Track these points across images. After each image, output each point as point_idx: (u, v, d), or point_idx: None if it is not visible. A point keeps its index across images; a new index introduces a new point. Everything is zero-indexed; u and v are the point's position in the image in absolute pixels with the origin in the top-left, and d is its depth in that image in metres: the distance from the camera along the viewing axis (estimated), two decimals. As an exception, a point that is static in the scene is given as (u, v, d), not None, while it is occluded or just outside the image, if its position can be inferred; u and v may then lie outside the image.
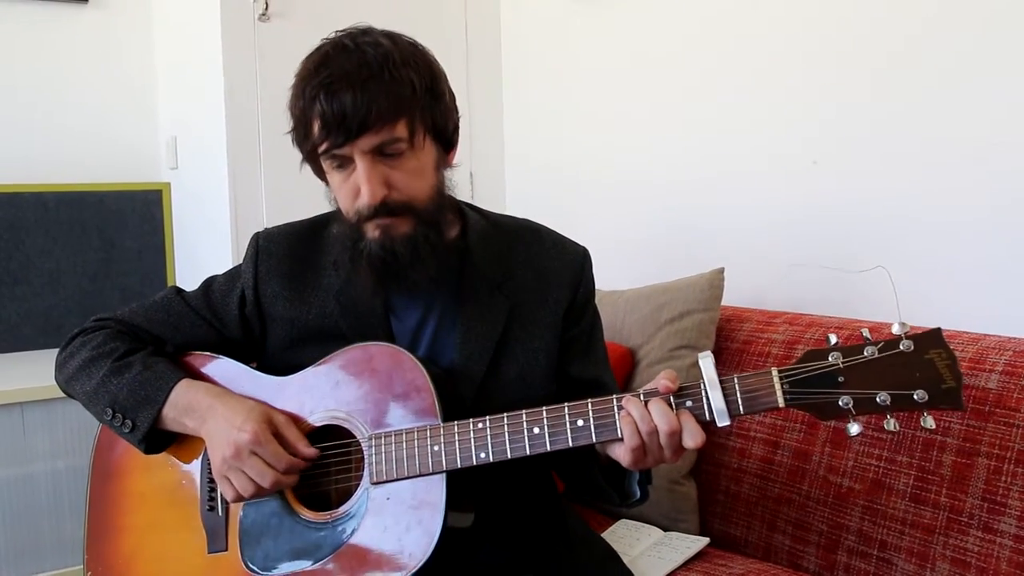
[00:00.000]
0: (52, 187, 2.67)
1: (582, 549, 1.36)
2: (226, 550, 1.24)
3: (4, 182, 2.63)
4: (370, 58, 1.15)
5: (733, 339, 1.86)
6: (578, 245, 1.37)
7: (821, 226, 2.01)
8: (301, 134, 1.19)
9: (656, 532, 1.74)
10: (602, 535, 1.45)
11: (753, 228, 2.14)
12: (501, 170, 2.84)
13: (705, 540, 1.71)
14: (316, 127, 1.16)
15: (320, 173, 1.25)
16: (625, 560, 1.42)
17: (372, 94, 1.13)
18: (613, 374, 1.41)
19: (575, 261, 1.34)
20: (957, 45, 1.75)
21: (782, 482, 1.68)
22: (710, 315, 1.87)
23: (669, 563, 1.63)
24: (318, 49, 1.19)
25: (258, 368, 1.32)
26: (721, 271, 1.92)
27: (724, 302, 1.90)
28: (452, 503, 1.15)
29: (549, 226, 1.40)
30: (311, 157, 1.21)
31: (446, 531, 1.13)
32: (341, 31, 1.20)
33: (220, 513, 1.24)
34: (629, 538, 1.73)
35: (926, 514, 1.48)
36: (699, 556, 1.67)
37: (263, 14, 2.46)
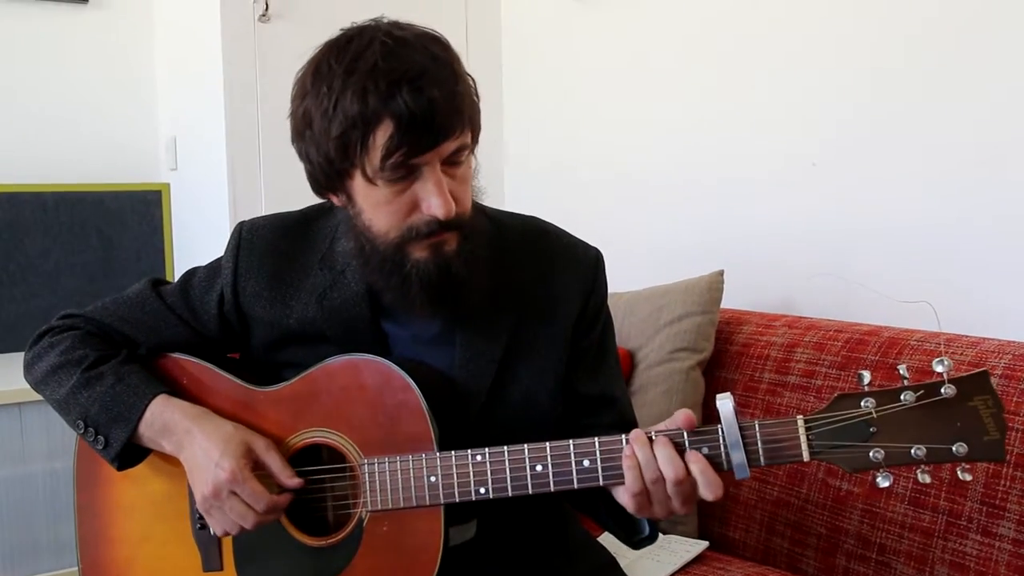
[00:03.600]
0: (51, 187, 2.66)
1: (581, 555, 1.33)
2: (222, 569, 1.20)
3: (3, 182, 2.62)
4: (437, 53, 1.04)
5: (732, 342, 1.86)
6: (590, 247, 1.26)
7: (820, 228, 2.01)
8: (353, 139, 1.02)
9: (654, 535, 1.74)
10: (599, 538, 1.44)
11: (752, 230, 2.14)
12: (501, 171, 2.83)
13: (704, 543, 1.71)
14: (388, 130, 1.00)
15: (333, 188, 1.11)
16: (623, 563, 1.41)
17: (452, 93, 1.03)
18: (625, 385, 1.34)
19: (587, 267, 1.24)
20: (957, 47, 1.75)
21: (781, 485, 1.68)
22: (709, 317, 1.87)
23: (667, 566, 1.63)
24: (360, 42, 1.04)
25: (242, 363, 1.26)
26: (720, 273, 1.91)
27: (723, 304, 1.90)
28: (453, 516, 1.11)
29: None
30: (352, 166, 1.05)
31: (447, 553, 1.10)
32: (363, 24, 1.08)
33: (212, 533, 1.19)
34: (627, 541, 1.72)
35: (925, 518, 1.47)
36: (697, 559, 1.67)
37: (263, 15, 2.46)
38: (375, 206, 1.08)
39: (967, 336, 1.55)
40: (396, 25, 1.07)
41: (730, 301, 1.93)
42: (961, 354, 1.49)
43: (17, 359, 2.53)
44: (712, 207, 2.24)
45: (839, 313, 1.87)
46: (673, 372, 1.83)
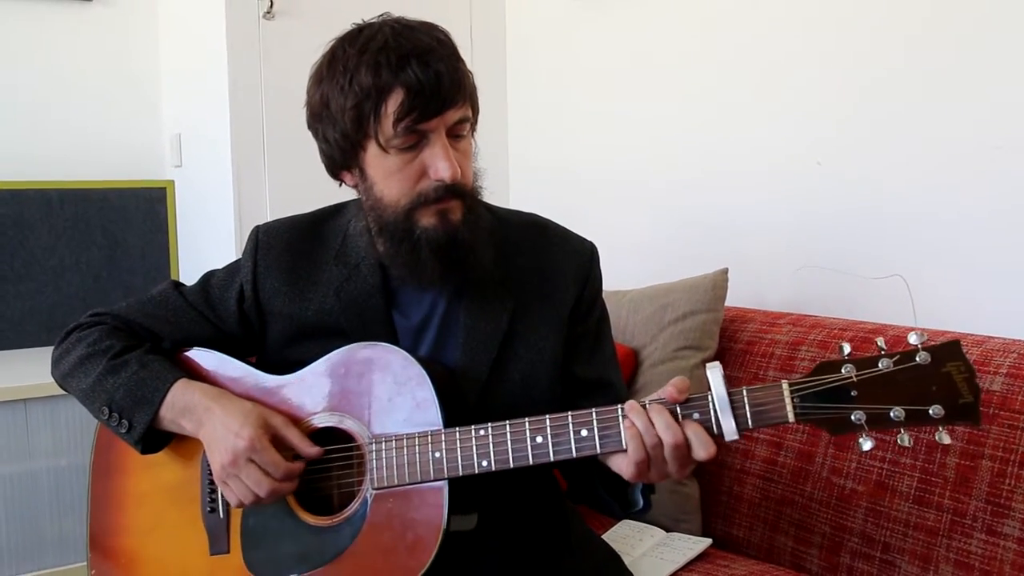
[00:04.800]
0: (56, 184, 2.67)
1: (584, 552, 1.35)
2: (228, 552, 1.23)
3: (8, 179, 2.63)
4: (440, 36, 1.16)
5: (737, 340, 1.86)
6: (585, 240, 1.34)
7: (825, 226, 2.01)
8: (367, 109, 1.13)
9: (658, 533, 1.74)
10: (604, 536, 1.44)
11: (757, 228, 2.14)
12: (505, 170, 2.83)
13: (707, 541, 1.71)
14: (399, 98, 1.11)
15: (348, 165, 1.20)
16: (627, 561, 1.42)
17: (454, 68, 1.14)
18: (621, 373, 1.38)
19: (582, 257, 1.31)
20: (958, 46, 1.74)
21: (785, 483, 1.68)
22: (714, 316, 1.87)
23: (671, 564, 1.63)
24: (371, 29, 1.15)
25: (258, 364, 1.30)
26: (725, 271, 1.91)
27: (728, 303, 1.90)
28: (455, 506, 1.14)
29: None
30: (366, 136, 1.15)
31: (448, 536, 1.12)
32: (372, 19, 1.18)
33: (221, 515, 1.24)
34: (631, 539, 1.73)
35: (929, 516, 1.47)
36: (701, 557, 1.67)
37: (268, 12, 2.46)
38: (387, 175, 1.16)
39: (972, 335, 1.55)
40: (401, 18, 1.19)
41: (734, 299, 1.93)
42: (967, 352, 1.48)
43: (22, 355, 2.56)
44: (717, 205, 2.23)
45: (844, 311, 1.87)
46: (677, 370, 1.83)
